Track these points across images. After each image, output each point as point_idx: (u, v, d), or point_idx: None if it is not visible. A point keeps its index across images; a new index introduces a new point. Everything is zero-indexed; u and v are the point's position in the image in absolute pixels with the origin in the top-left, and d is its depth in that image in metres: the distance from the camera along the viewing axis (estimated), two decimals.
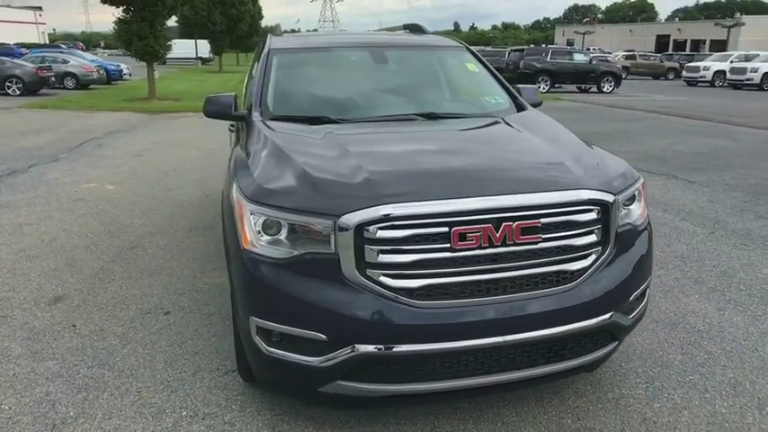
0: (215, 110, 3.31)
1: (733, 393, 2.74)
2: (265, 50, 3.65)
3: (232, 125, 4.05)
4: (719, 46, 49.83)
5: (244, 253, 2.24)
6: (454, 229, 2.07)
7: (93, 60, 28.34)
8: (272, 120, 3.03)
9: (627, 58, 38.50)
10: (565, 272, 2.21)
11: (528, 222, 2.13)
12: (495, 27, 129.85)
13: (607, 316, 2.30)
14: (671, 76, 36.27)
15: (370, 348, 2.07)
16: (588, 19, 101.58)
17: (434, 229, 2.07)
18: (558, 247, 2.19)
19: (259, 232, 2.21)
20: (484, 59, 3.82)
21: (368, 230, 2.05)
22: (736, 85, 27.51)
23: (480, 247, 2.09)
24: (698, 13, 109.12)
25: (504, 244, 2.11)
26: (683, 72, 31.97)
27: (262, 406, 2.67)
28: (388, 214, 2.04)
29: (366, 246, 2.05)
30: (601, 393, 2.74)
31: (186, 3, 21.22)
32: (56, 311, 3.68)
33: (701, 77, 30.10)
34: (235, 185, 2.43)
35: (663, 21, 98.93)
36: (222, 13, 36.84)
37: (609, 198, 2.28)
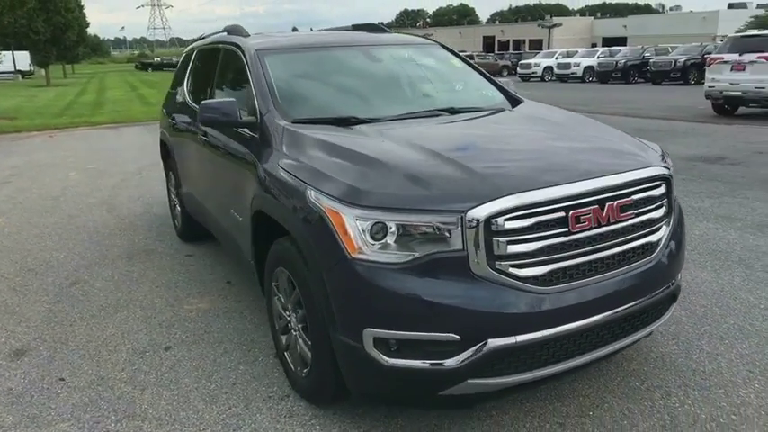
0: (215, 118, 3.00)
1: (742, 336, 3.14)
2: (247, 52, 3.38)
3: (204, 134, 3.71)
4: (537, 45, 55.65)
5: (353, 262, 2.09)
6: (571, 212, 2.13)
7: None
8: (295, 123, 2.83)
9: (468, 57, 41.34)
10: (649, 244, 2.38)
11: (624, 200, 2.26)
12: None
13: (676, 280, 2.53)
14: (505, 74, 39.67)
15: (503, 341, 2.06)
16: (421, 23, 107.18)
17: (554, 215, 2.11)
18: (644, 221, 2.35)
19: (369, 238, 2.08)
20: (461, 55, 3.93)
21: (495, 223, 2.03)
22: (562, 79, 30.92)
23: (591, 228, 2.18)
24: (511, 16, 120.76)
25: (608, 223, 2.22)
26: (518, 69, 35.14)
27: (344, 425, 2.51)
28: (516, 204, 2.05)
29: (494, 238, 2.03)
30: (646, 355, 2.97)
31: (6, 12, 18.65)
32: (27, 366, 3.09)
33: (532, 73, 33.34)
34: (315, 193, 2.25)
35: (484, 23, 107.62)
36: (46, 20, 32.59)
37: (669, 172, 2.50)
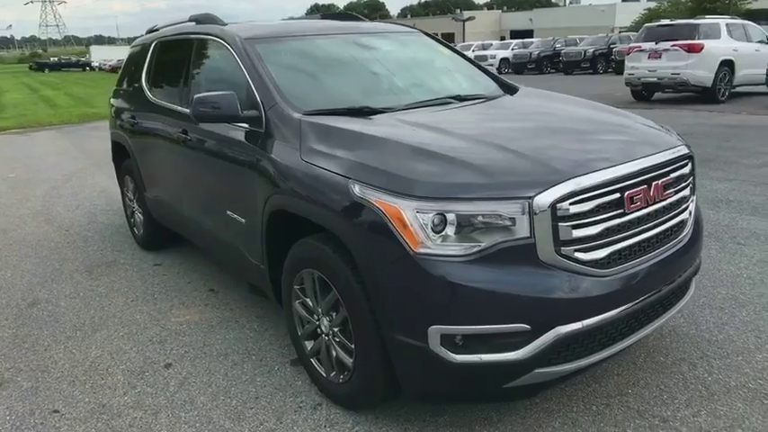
0: (211, 112, 2.76)
1: (738, 305, 3.31)
2: (234, 42, 3.13)
3: (185, 132, 3.42)
4: (449, 38, 56.83)
5: (416, 257, 1.97)
6: (627, 193, 2.13)
7: None
8: (308, 115, 2.66)
9: None
10: (683, 221, 2.43)
11: (666, 179, 2.30)
12: None
13: (701, 256, 2.61)
14: None
15: (571, 327, 2.02)
16: None
17: (612, 197, 2.10)
18: (679, 198, 2.40)
19: (431, 230, 1.98)
20: (447, 44, 3.87)
21: (560, 208, 1.98)
22: (518, 70, 31.43)
23: (641, 208, 2.19)
24: (421, 10, 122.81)
25: (654, 202, 2.24)
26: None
27: (391, 429, 2.39)
28: (579, 188, 2.01)
29: (559, 224, 1.99)
30: (659, 330, 3.04)
31: None
32: (8, 401, 2.73)
33: (489, 65, 33.93)
34: (361, 187, 2.11)
35: (395, 18, 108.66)
36: None
37: (692, 151, 2.57)
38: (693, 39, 11.89)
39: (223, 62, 3.26)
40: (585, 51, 26.45)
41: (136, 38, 5.64)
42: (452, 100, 3.02)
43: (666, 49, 12.15)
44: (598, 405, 2.48)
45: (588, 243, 2.05)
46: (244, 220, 2.95)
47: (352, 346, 2.33)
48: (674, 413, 2.40)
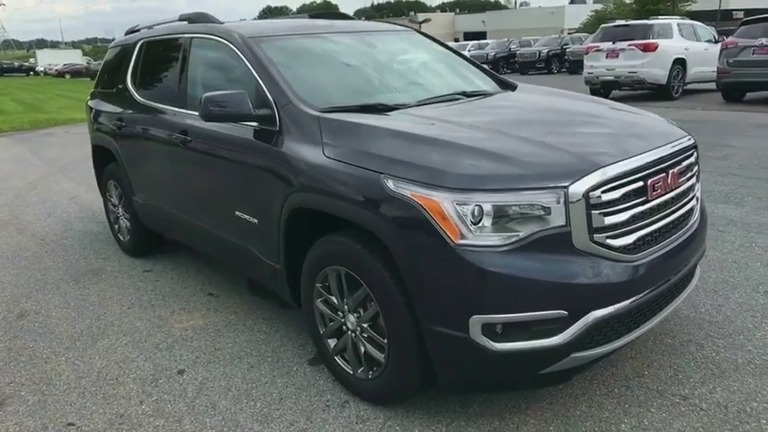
0: (222, 112, 2.72)
1: (729, 288, 3.47)
2: (236, 41, 3.08)
3: (184, 132, 3.35)
4: None
5: (458, 249, 2.00)
6: (650, 180, 2.22)
7: None
8: (325, 112, 2.65)
9: None
10: (692, 207, 2.55)
11: (680, 167, 2.40)
12: None
13: (706, 242, 2.74)
14: None
15: (604, 311, 2.09)
16: None
17: (637, 185, 2.18)
18: (689, 186, 2.51)
19: (470, 222, 2.01)
20: (442, 41, 3.92)
21: (593, 196, 2.05)
22: None
23: (661, 195, 2.28)
24: (375, 13, 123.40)
25: (671, 189, 2.34)
26: None
27: (424, 422, 2.41)
28: (610, 176, 2.08)
29: (592, 212, 2.06)
30: (679, 314, 3.17)
31: None
32: (16, 416, 2.62)
33: None
34: (395, 182, 2.12)
35: None
36: None
37: (696, 142, 2.69)
38: (648, 38, 12.37)
39: (225, 61, 3.21)
40: (540, 52, 27.13)
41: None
42: (461, 96, 3.06)
43: (623, 49, 12.60)
44: (619, 387, 2.57)
45: (617, 230, 2.12)
46: (256, 221, 2.92)
47: (385, 341, 2.34)
48: (692, 391, 2.51)
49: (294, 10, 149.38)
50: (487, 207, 2.02)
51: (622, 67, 12.60)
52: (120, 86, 4.32)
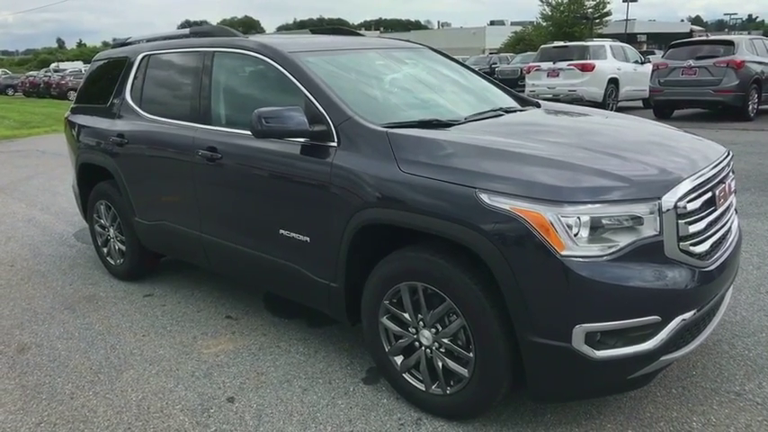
0: (278, 128, 2.66)
1: (735, 289, 3.73)
2: (278, 55, 2.99)
3: (212, 149, 3.22)
4: None
5: (564, 260, 2.05)
6: (716, 190, 2.37)
7: None
8: (388, 128, 2.64)
9: None
10: (733, 215, 2.74)
11: (731, 178, 2.59)
12: (107, 44, 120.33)
13: None
14: None
15: (689, 315, 2.20)
16: None
17: (708, 195, 2.33)
18: (733, 196, 2.71)
19: (573, 233, 2.07)
20: (455, 58, 4.00)
21: (680, 206, 2.16)
22: None
23: (723, 204, 2.45)
24: (298, 29, 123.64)
25: (727, 198, 2.52)
26: None
27: None
28: (691, 187, 2.21)
29: (679, 221, 2.17)
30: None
31: None
32: None
33: None
34: (490, 195, 2.14)
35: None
36: None
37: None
38: (585, 59, 13.15)
39: (263, 76, 3.13)
40: None
41: None
42: (501, 111, 3.14)
43: (563, 69, 13.31)
44: (676, 388, 2.70)
45: (698, 237, 2.25)
46: (307, 238, 2.84)
47: (470, 355, 2.34)
48: (742, 387, 2.68)
49: (214, 24, 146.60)
50: (585, 218, 2.08)
51: (563, 86, 13.30)
52: (115, 101, 4.08)
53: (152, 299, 4.03)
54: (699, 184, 2.27)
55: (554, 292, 2.10)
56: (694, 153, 2.54)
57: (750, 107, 11.34)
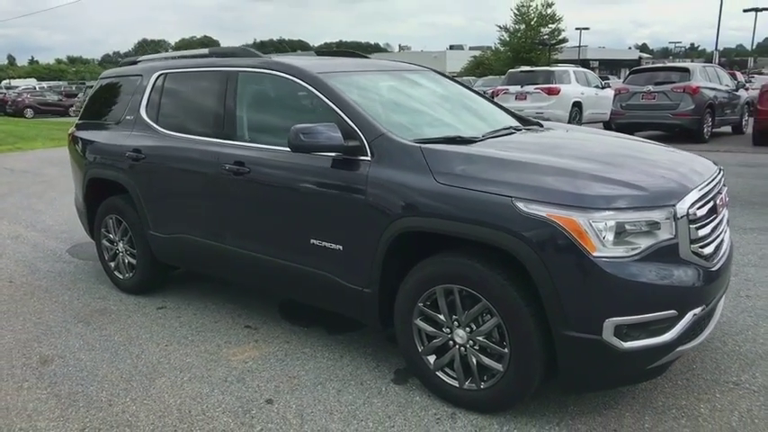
0: (316, 143, 2.84)
1: None
2: (306, 75, 3.18)
3: (240, 163, 3.37)
4: None
5: (597, 260, 2.30)
6: (716, 199, 2.68)
7: None
8: (419, 143, 2.86)
9: None
10: (726, 222, 3.07)
11: (725, 189, 2.91)
12: (60, 61, 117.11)
13: None
14: None
15: (699, 310, 2.48)
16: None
17: (711, 203, 2.63)
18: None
19: (602, 237, 2.32)
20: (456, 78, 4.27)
21: (691, 213, 2.45)
22: None
23: (721, 211, 2.76)
24: (260, 50, 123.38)
25: (724, 207, 2.83)
26: None
27: (538, 426, 2.63)
28: (699, 196, 2.51)
29: (690, 226, 2.45)
30: None
31: None
32: None
33: None
34: (526, 204, 2.37)
35: None
36: None
37: None
38: (551, 83, 13.78)
39: (290, 95, 3.32)
40: None
41: None
42: (513, 130, 3.41)
43: (530, 92, 13.90)
44: (681, 380, 2.97)
45: (704, 240, 2.54)
46: (339, 247, 3.01)
47: (505, 351, 2.55)
48: (739, 377, 2.97)
49: (172, 44, 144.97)
50: (611, 223, 2.34)
51: (530, 109, 13.82)
52: (128, 118, 4.18)
53: (166, 311, 4.09)
54: (704, 194, 2.57)
55: (587, 289, 2.34)
56: (697, 166, 2.85)
57: (705, 130, 12.10)
